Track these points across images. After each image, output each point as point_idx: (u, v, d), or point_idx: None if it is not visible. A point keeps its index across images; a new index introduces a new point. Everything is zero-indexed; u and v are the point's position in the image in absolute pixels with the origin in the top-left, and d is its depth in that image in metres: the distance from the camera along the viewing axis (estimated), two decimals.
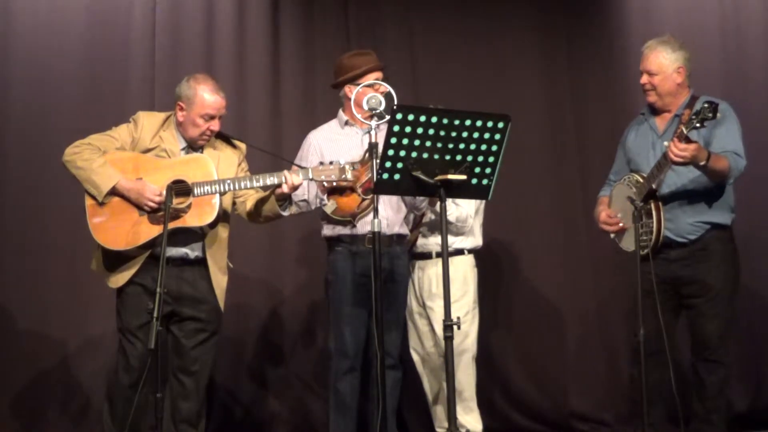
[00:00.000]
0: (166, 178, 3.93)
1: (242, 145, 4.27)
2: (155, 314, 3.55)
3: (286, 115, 5.63)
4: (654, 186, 4.19)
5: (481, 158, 3.52)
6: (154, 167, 4.00)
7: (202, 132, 4.06)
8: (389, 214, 4.29)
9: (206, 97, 4.05)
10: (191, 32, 5.52)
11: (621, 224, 4.33)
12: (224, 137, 4.22)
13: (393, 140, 3.42)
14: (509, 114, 3.53)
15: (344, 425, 4.30)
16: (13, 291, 5.14)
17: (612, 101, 5.75)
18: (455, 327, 3.54)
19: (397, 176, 3.48)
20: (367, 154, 3.89)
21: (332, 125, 4.47)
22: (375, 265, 3.68)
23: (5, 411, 5.06)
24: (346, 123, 4.38)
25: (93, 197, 3.94)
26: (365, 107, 3.87)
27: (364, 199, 4.15)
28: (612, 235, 4.44)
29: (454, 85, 5.66)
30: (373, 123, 3.76)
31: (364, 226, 4.18)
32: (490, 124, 3.49)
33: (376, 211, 3.71)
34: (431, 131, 3.43)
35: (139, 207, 3.94)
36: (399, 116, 3.40)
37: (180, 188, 3.93)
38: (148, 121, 4.10)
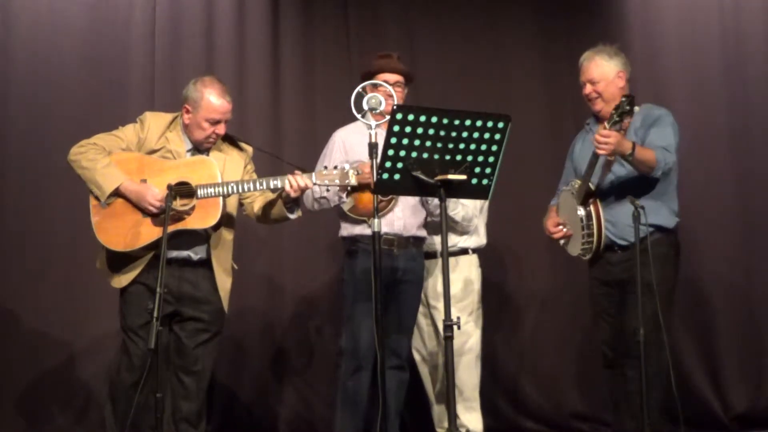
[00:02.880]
0: (170, 179, 3.92)
1: (249, 148, 4.27)
2: (155, 314, 3.54)
3: (285, 114, 5.63)
4: (592, 187, 4.25)
5: (481, 158, 3.52)
6: (158, 168, 3.99)
7: (207, 135, 4.06)
8: (407, 216, 4.29)
9: (212, 101, 4.03)
10: (191, 32, 5.52)
11: (565, 230, 4.39)
12: (231, 139, 4.22)
13: (393, 140, 3.42)
14: (509, 114, 3.53)
15: (352, 424, 4.26)
16: (14, 291, 5.14)
17: None
18: (458, 327, 3.52)
19: (397, 176, 3.48)
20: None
21: (358, 124, 4.37)
22: (375, 265, 3.68)
23: (9, 409, 5.07)
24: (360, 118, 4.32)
25: (97, 198, 3.95)
26: (365, 107, 3.86)
27: (381, 200, 4.10)
28: (561, 242, 4.47)
29: (454, 85, 5.66)
30: (373, 123, 3.75)
31: (381, 226, 4.02)
32: (490, 124, 3.49)
33: (376, 211, 3.70)
34: (431, 131, 3.43)
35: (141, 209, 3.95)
36: (399, 116, 3.39)
37: (183, 190, 3.93)
38: (154, 121, 4.09)
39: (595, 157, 4.12)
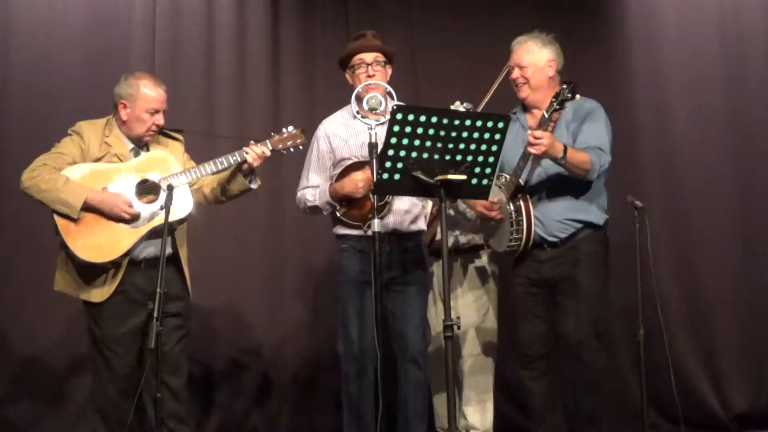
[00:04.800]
0: (131, 181, 3.96)
1: (180, 136, 4.28)
2: (155, 314, 3.55)
3: (285, 112, 5.63)
4: (521, 182, 4.10)
5: (481, 158, 3.52)
6: (114, 174, 3.98)
7: (148, 127, 4.06)
8: (400, 214, 4.16)
9: (149, 92, 4.05)
10: (191, 32, 5.53)
11: (500, 215, 4.16)
12: (163, 132, 4.22)
13: (393, 140, 3.41)
14: (509, 114, 3.53)
15: (359, 429, 4.14)
16: (11, 291, 5.13)
17: (612, 103, 5.70)
18: (458, 327, 3.50)
19: (397, 176, 3.47)
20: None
21: (344, 114, 4.31)
22: (375, 266, 3.65)
23: (8, 409, 5.06)
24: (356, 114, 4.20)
25: (65, 216, 3.90)
26: (365, 107, 3.83)
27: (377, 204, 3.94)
28: (486, 238, 4.36)
29: (454, 83, 5.65)
30: (374, 122, 3.73)
31: (379, 227, 3.83)
32: (490, 124, 3.49)
33: (376, 211, 3.67)
34: (431, 131, 3.43)
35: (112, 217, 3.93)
36: (399, 116, 3.39)
37: (149, 187, 3.95)
38: (91, 129, 4.08)
39: (527, 150, 3.96)
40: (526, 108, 4.30)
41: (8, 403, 5.08)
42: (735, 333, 5.49)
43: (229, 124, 5.52)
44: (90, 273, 3.95)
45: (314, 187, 4.23)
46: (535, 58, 4.20)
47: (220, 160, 4.02)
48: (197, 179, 4.09)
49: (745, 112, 5.61)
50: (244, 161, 4.02)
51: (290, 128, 4.11)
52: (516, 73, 4.24)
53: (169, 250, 4.00)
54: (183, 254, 4.11)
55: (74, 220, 3.90)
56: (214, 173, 4.08)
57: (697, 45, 5.70)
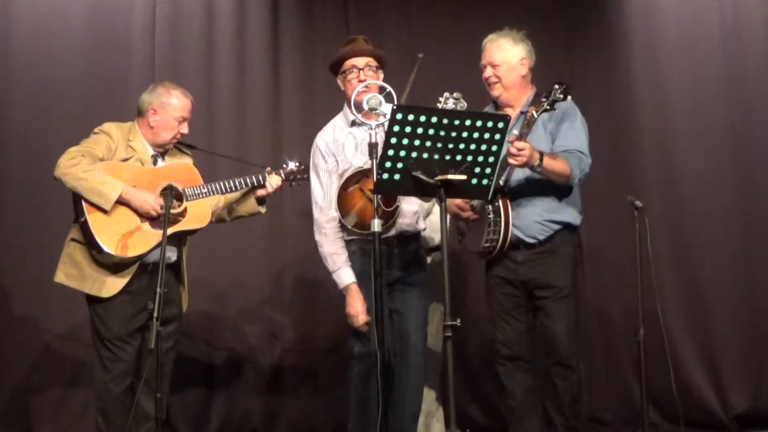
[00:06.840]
0: (159, 185, 4.04)
1: (189, 151, 4.37)
2: (155, 314, 3.59)
3: (286, 114, 5.64)
4: (501, 182, 4.00)
5: (481, 158, 3.51)
6: (142, 174, 4.06)
7: (174, 135, 4.17)
8: (404, 215, 4.11)
9: (182, 100, 4.19)
10: (191, 32, 5.54)
11: (473, 215, 4.10)
12: (175, 145, 4.29)
13: (393, 140, 3.41)
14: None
15: (367, 428, 4.07)
16: (13, 290, 5.13)
17: (612, 103, 5.75)
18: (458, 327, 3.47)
19: (397, 176, 3.47)
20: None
21: (339, 124, 4.24)
22: (375, 267, 3.63)
23: (5, 411, 5.07)
24: (353, 123, 4.16)
25: (96, 207, 3.94)
26: (365, 107, 3.82)
27: (385, 210, 3.95)
28: (459, 238, 4.31)
29: (454, 86, 5.62)
30: (374, 123, 3.71)
31: (380, 226, 3.74)
32: (490, 124, 3.48)
33: (376, 211, 3.67)
34: (431, 131, 3.43)
35: (140, 214, 4.00)
36: (399, 116, 3.39)
37: (174, 193, 4.00)
38: (119, 131, 4.14)
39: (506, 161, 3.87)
40: (497, 106, 4.22)
41: (12, 401, 5.09)
42: (735, 333, 5.48)
43: (229, 125, 5.53)
44: (101, 268, 4.00)
45: (335, 221, 4.07)
46: (508, 56, 4.14)
47: (240, 180, 4.16)
48: (218, 194, 4.17)
49: (745, 112, 5.60)
50: (260, 186, 4.17)
51: (296, 163, 4.29)
52: (488, 72, 4.16)
53: (174, 257, 4.12)
54: (185, 262, 4.19)
55: (105, 212, 3.95)
56: (233, 191, 4.20)
57: (697, 45, 5.70)
